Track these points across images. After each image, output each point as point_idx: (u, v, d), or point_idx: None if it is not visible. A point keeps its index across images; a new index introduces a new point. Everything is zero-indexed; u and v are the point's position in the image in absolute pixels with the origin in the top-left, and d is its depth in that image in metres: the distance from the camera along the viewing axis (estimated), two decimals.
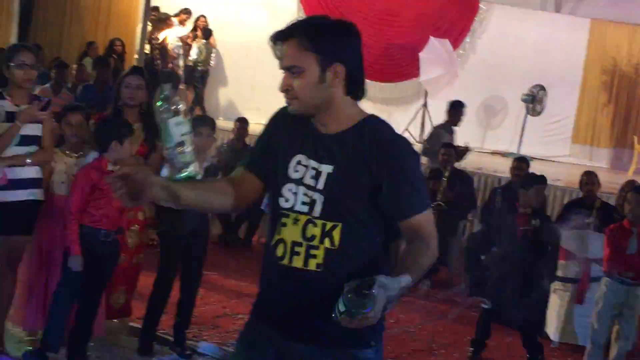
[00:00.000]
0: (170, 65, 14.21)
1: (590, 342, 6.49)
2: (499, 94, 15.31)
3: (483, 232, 8.47)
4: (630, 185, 7.77)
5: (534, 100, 13.66)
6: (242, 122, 10.33)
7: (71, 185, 5.22)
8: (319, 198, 2.77)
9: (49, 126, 5.29)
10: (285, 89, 2.79)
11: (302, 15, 14.81)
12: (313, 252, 2.76)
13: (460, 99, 10.82)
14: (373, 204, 2.75)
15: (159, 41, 14.28)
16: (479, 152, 13.53)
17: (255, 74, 14.51)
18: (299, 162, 2.83)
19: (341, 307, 2.43)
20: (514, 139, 14.27)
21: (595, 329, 6.42)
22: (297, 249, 2.78)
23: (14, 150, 5.14)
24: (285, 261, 2.79)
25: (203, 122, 5.78)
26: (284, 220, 2.82)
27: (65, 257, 5.10)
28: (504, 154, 14.29)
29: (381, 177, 2.72)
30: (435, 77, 13.80)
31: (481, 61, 15.36)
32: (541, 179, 7.42)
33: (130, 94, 5.68)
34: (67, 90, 10.49)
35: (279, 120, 2.95)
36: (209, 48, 14.73)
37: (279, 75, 2.80)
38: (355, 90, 2.83)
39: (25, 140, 5.18)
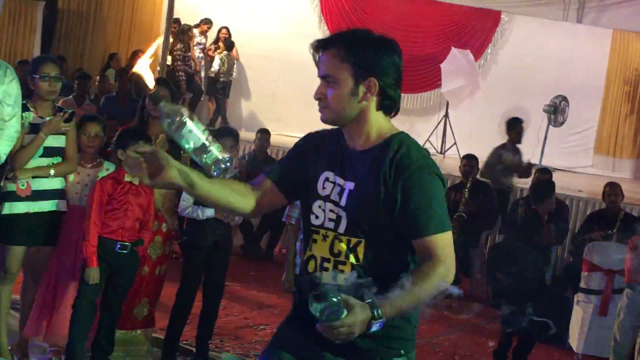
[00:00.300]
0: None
1: (612, 354, 6.46)
2: (521, 104, 15.18)
3: (505, 243, 8.44)
4: None
5: (556, 111, 13.57)
6: (264, 134, 10.33)
7: (88, 196, 5.23)
8: (343, 215, 2.80)
9: (73, 137, 5.31)
10: (319, 97, 2.81)
11: (324, 28, 14.87)
12: (341, 267, 2.79)
13: (517, 116, 10.63)
14: (396, 221, 2.75)
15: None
16: None
17: (276, 85, 14.53)
18: (327, 179, 2.86)
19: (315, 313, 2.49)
20: (536, 150, 14.20)
21: (617, 341, 6.38)
22: (325, 264, 2.83)
23: (37, 161, 5.16)
24: (316, 276, 2.82)
25: (226, 134, 5.78)
26: (315, 237, 2.88)
27: (83, 268, 5.11)
28: None
29: (395, 195, 2.72)
30: (456, 87, 13.81)
31: (503, 72, 15.35)
32: (547, 193, 7.43)
33: None
34: (90, 101, 10.57)
35: (313, 138, 2.99)
36: (231, 60, 14.74)
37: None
38: (389, 107, 2.83)
39: (49, 151, 5.20)
